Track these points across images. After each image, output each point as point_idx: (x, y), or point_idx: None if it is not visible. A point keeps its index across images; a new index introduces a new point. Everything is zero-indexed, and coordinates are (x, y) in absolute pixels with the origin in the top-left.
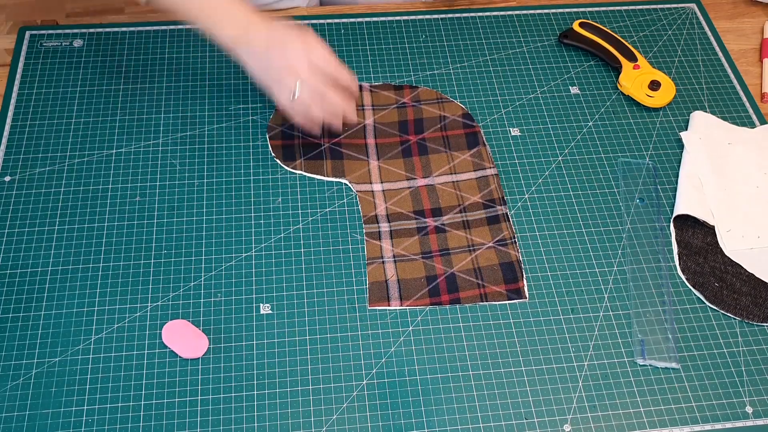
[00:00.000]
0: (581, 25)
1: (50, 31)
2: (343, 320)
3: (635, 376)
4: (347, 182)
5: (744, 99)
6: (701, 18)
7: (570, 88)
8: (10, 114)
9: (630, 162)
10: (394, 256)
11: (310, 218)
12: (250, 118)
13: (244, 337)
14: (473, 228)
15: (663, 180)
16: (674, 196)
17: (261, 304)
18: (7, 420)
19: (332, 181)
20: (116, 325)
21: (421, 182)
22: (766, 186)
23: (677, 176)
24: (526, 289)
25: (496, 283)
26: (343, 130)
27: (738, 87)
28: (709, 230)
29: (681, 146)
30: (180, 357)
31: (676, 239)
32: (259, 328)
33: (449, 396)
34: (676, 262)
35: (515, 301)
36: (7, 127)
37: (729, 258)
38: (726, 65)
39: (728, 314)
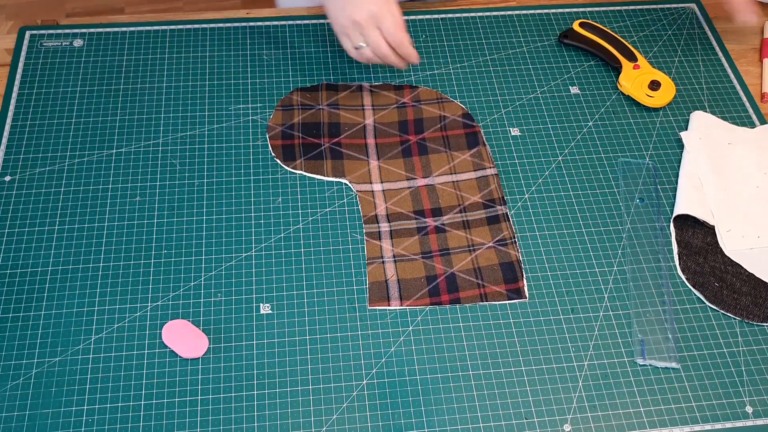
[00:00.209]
0: (581, 25)
1: (50, 31)
2: (343, 320)
3: (635, 376)
4: (347, 182)
5: (744, 99)
6: (701, 18)
7: (570, 88)
8: (10, 114)
9: (630, 162)
10: (394, 256)
11: (310, 218)
12: (250, 118)
13: (244, 337)
14: (473, 228)
15: (663, 180)
16: (674, 196)
17: (261, 304)
18: (7, 420)
19: (332, 181)
20: (116, 325)
21: (421, 182)
22: (766, 186)
23: (677, 176)
24: (526, 289)
25: (496, 283)
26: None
27: (738, 87)
28: (709, 230)
29: (681, 146)
30: (180, 357)
31: (676, 239)
32: (259, 328)
33: (449, 396)
34: (676, 262)
35: (515, 301)
36: (7, 127)
37: (729, 258)
38: (726, 65)
39: (728, 314)
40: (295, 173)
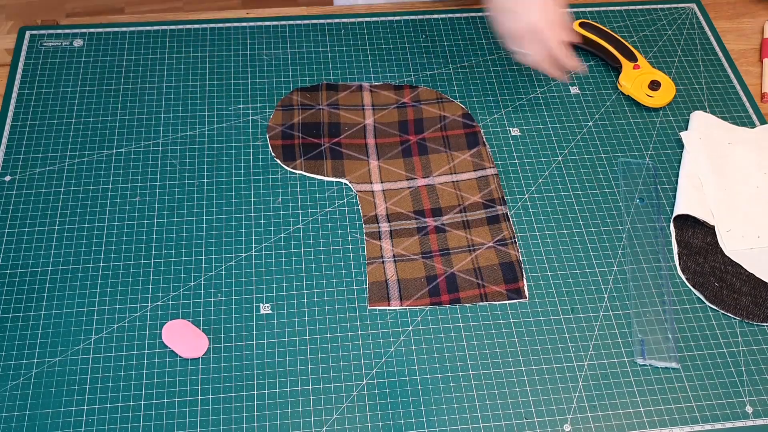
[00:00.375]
0: (581, 25)
1: (50, 31)
2: (343, 320)
3: (635, 376)
4: (347, 182)
5: (744, 99)
6: (701, 18)
7: (570, 88)
8: (10, 114)
9: (630, 162)
10: (394, 256)
11: (310, 218)
12: (250, 118)
13: (244, 337)
14: (473, 228)
15: (663, 180)
16: (674, 196)
17: (261, 304)
18: (7, 420)
19: (332, 181)
20: (116, 325)
21: (421, 182)
22: (766, 186)
23: (677, 176)
24: (526, 289)
25: (496, 282)
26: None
27: (738, 87)
28: (709, 230)
29: (681, 146)
30: (180, 357)
31: (676, 239)
32: (259, 328)
33: (449, 396)
34: (676, 262)
35: (515, 301)
36: (7, 127)
37: (729, 258)
38: (726, 65)
39: (728, 314)
40: (295, 173)
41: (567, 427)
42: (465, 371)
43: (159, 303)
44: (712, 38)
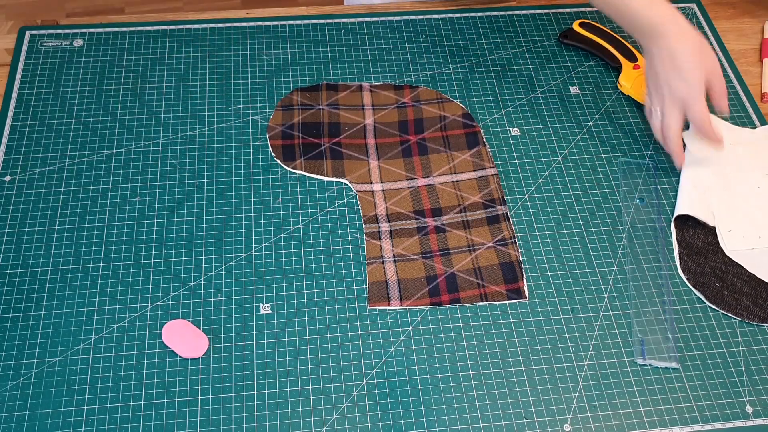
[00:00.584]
0: (581, 25)
1: (50, 31)
2: (343, 320)
3: (635, 376)
4: (347, 182)
5: (744, 99)
6: (701, 18)
7: (570, 88)
8: (10, 114)
9: (630, 162)
10: (394, 256)
11: (310, 218)
12: (250, 118)
13: (244, 337)
14: (473, 228)
15: (663, 180)
16: (674, 196)
17: (261, 304)
18: (7, 420)
19: (332, 181)
20: (116, 325)
21: (421, 182)
22: (766, 186)
23: (677, 176)
24: (526, 289)
25: (496, 282)
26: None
27: (738, 87)
28: (710, 230)
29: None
30: (180, 357)
31: (677, 239)
32: (259, 327)
33: (449, 396)
34: (677, 262)
35: (515, 301)
36: (7, 127)
37: (730, 258)
38: (726, 65)
39: (728, 314)
40: (295, 173)
41: (567, 427)
42: (465, 371)
43: (159, 303)
44: (712, 38)
